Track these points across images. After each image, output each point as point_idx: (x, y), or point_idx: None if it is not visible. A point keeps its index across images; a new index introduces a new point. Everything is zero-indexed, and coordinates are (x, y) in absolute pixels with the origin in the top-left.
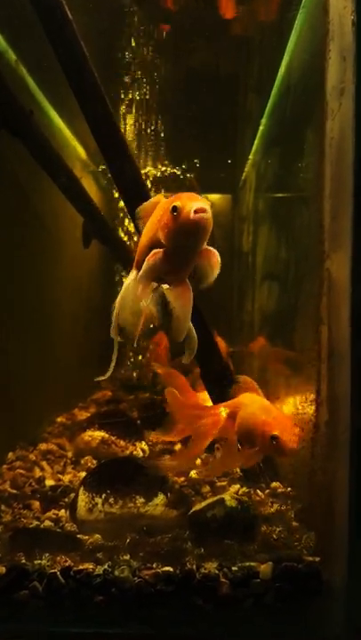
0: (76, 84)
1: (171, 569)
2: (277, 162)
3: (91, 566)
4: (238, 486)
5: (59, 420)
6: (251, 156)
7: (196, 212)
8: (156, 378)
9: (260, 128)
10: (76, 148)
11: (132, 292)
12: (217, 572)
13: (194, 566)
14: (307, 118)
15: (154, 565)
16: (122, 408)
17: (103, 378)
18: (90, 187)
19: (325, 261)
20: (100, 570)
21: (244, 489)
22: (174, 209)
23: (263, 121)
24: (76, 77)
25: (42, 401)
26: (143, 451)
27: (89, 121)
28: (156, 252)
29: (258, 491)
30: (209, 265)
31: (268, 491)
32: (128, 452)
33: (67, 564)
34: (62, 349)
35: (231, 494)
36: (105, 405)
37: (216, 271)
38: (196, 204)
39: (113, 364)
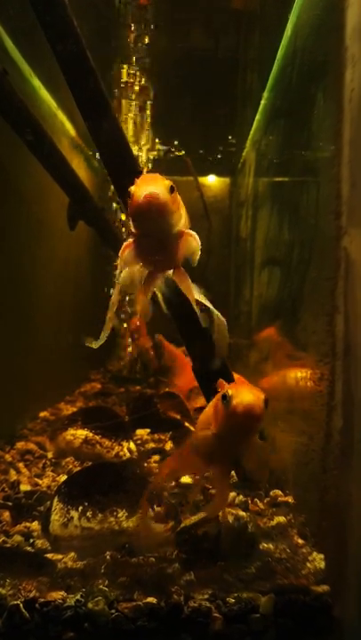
0: (42, 15)
1: (155, 600)
2: (282, 135)
3: (60, 596)
4: (234, 494)
5: (42, 414)
6: (250, 136)
7: (145, 196)
8: (148, 370)
9: (262, 103)
10: (64, 123)
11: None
12: (209, 604)
13: (182, 597)
14: (318, 79)
15: (135, 596)
16: (111, 402)
17: (92, 344)
18: (79, 167)
19: (342, 238)
20: (71, 601)
21: (241, 497)
22: (128, 194)
23: (265, 94)
24: (42, 7)
25: (23, 393)
26: (130, 451)
27: (60, 63)
28: (128, 244)
29: (256, 499)
30: (187, 249)
31: (267, 499)
32: (114, 452)
33: (31, 595)
34: (47, 337)
35: (226, 510)
36: (93, 399)
37: (194, 254)
38: (147, 189)
39: (105, 334)
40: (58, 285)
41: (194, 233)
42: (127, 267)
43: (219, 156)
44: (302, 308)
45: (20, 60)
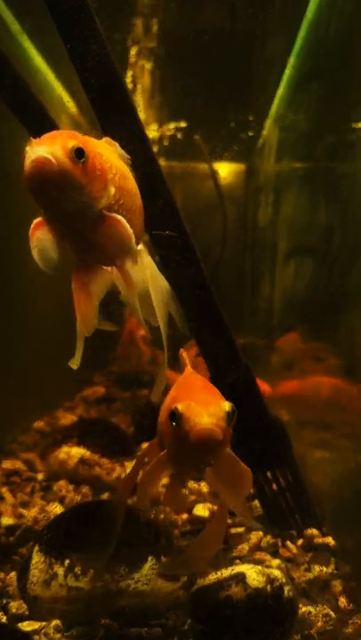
0: None
1: None
2: (315, 103)
3: None
4: (261, 534)
5: (36, 425)
6: (272, 112)
7: (33, 162)
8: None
9: (286, 73)
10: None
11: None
12: None
13: None
14: None
15: None
16: (115, 408)
17: (74, 365)
18: None
19: None
20: None
21: (269, 538)
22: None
23: (291, 60)
24: None
25: (14, 400)
26: None
27: None
28: (38, 222)
29: (288, 542)
30: (110, 239)
31: (301, 541)
32: (115, 474)
33: None
34: (44, 335)
35: (256, 568)
36: (95, 405)
37: (122, 247)
38: (38, 151)
39: (79, 353)
40: (54, 276)
41: (120, 217)
42: (41, 253)
43: (233, 140)
44: (347, 306)
45: (13, 23)
